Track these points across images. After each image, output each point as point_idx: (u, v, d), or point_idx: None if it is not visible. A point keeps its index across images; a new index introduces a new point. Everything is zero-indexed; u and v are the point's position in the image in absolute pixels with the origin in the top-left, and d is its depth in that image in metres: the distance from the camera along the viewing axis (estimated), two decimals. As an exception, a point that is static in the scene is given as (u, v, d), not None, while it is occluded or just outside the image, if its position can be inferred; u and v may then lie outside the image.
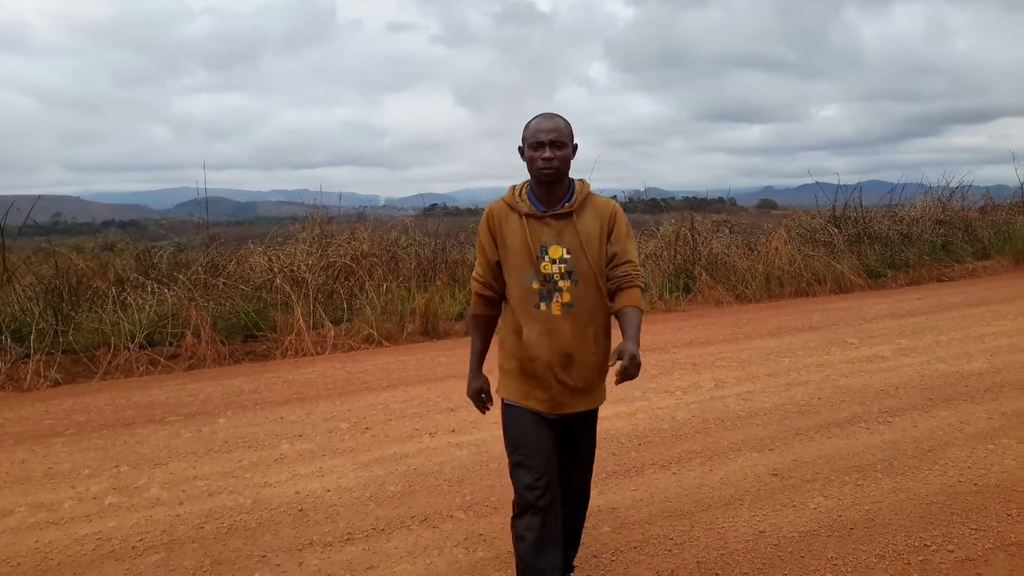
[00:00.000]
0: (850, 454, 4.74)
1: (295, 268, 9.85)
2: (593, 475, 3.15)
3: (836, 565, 3.40)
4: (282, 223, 13.09)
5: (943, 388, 6.09)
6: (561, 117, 2.80)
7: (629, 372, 2.52)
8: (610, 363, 2.62)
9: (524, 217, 2.78)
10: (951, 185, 16.34)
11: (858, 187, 14.84)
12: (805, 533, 3.71)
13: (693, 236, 12.55)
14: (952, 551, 3.49)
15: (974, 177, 20.21)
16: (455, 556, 3.60)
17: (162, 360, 7.84)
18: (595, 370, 2.84)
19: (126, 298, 8.61)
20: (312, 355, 8.29)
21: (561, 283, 2.74)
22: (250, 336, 8.74)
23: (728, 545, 3.62)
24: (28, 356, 7.51)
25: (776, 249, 12.25)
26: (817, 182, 15.15)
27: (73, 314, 8.39)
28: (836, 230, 13.54)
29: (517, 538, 2.76)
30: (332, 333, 8.70)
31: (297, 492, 4.42)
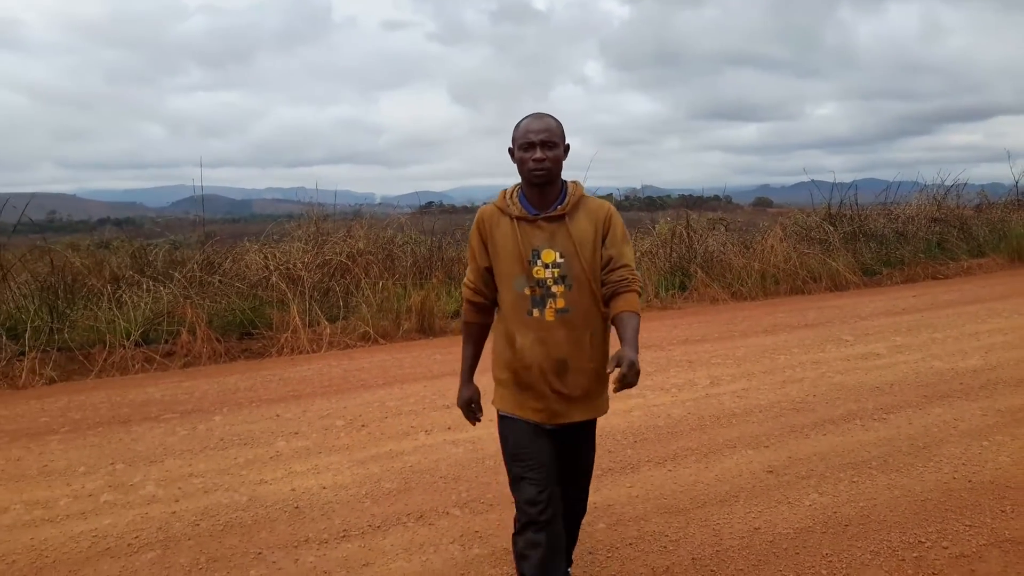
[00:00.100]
0: (845, 451, 4.75)
1: (291, 266, 9.85)
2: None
3: (831, 562, 3.41)
4: (278, 221, 13.09)
5: (938, 385, 6.11)
6: (552, 117, 2.72)
7: (628, 380, 2.42)
8: (608, 370, 2.49)
9: (515, 220, 2.70)
10: (946, 183, 16.40)
11: (854, 185, 14.90)
12: (800, 530, 3.72)
13: (689, 234, 12.56)
14: (946, 547, 3.50)
15: (969, 175, 20.29)
16: (451, 553, 3.61)
17: (158, 358, 7.83)
18: (591, 378, 2.74)
19: (121, 296, 8.61)
20: (308, 353, 8.29)
21: (554, 288, 2.66)
22: (246, 334, 8.74)
23: (723, 542, 3.63)
24: (23, 354, 7.50)
25: (772, 247, 12.27)
26: (813, 180, 15.19)
27: (68, 312, 8.39)
28: (831, 228, 13.56)
29: (519, 556, 2.64)
30: (328, 331, 8.70)
31: (293, 489, 4.42)
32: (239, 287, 9.35)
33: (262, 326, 8.75)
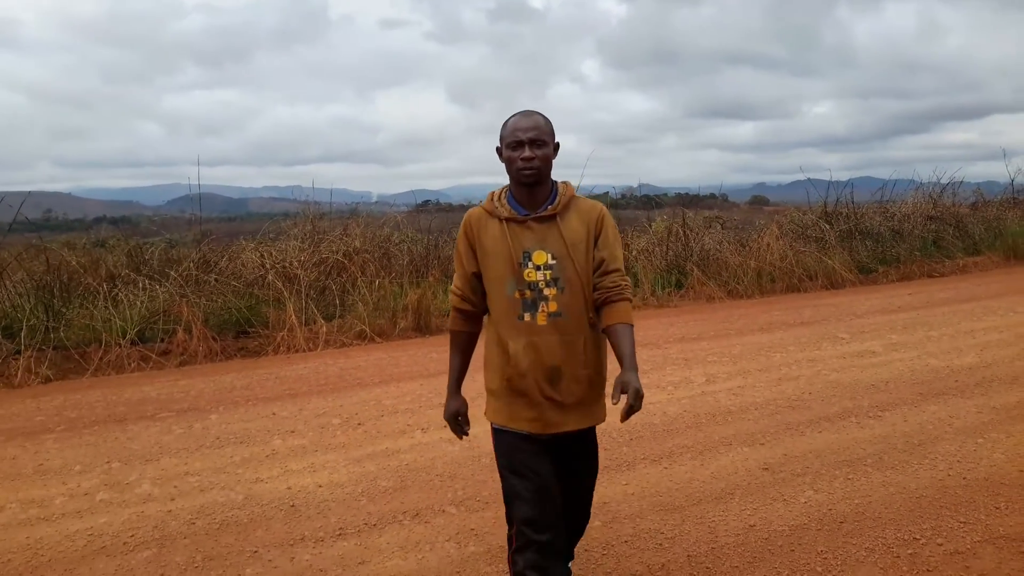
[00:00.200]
0: (840, 448, 4.76)
1: (287, 264, 9.84)
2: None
3: (826, 559, 3.42)
4: (274, 219, 13.08)
5: (933, 383, 6.12)
6: (540, 114, 2.64)
7: (635, 408, 2.41)
8: (613, 400, 2.46)
9: (504, 222, 2.61)
10: (942, 181, 16.45)
11: (850, 183, 14.90)
12: (795, 527, 3.73)
13: (685, 232, 12.57)
14: (941, 544, 3.51)
15: (965, 173, 20.32)
16: (447, 551, 3.61)
17: (153, 356, 7.82)
18: (586, 385, 2.66)
19: (117, 294, 8.60)
20: (304, 351, 8.29)
21: (546, 291, 2.57)
22: (242, 332, 8.73)
23: (719, 539, 3.63)
24: (19, 352, 7.50)
25: (768, 245, 12.28)
26: (809, 178, 15.21)
27: (64, 310, 8.38)
28: (828, 226, 13.58)
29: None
30: (324, 329, 8.70)
31: (289, 488, 4.42)
32: (235, 286, 9.35)
33: (258, 324, 8.75)
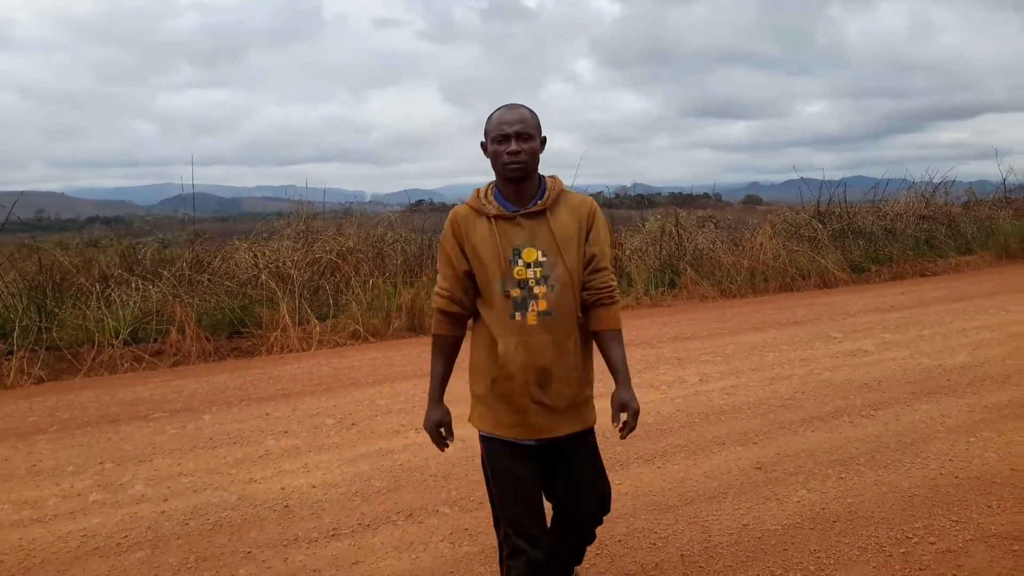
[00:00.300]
0: (833, 447, 4.77)
1: (280, 264, 9.82)
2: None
3: (819, 558, 3.43)
4: (267, 219, 13.06)
5: (925, 382, 6.14)
6: (526, 107, 2.54)
7: (632, 427, 2.47)
8: (613, 423, 2.52)
9: (493, 220, 2.51)
10: (935, 181, 16.49)
11: (842, 183, 14.95)
12: (788, 526, 3.74)
13: (678, 232, 12.59)
14: (933, 543, 3.53)
15: (957, 173, 20.39)
16: (441, 551, 3.61)
17: (147, 357, 7.81)
18: (576, 387, 2.57)
19: (110, 295, 8.58)
20: (298, 351, 8.27)
21: (537, 289, 2.48)
22: (235, 332, 8.72)
23: (712, 538, 3.64)
24: (11, 353, 7.47)
25: (761, 244, 12.31)
26: (802, 178, 15.26)
27: (57, 311, 8.35)
28: (820, 225, 13.61)
29: None
30: (318, 329, 8.69)
31: (282, 488, 4.42)
32: (228, 285, 9.32)
33: (251, 325, 8.73)
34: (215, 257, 10.14)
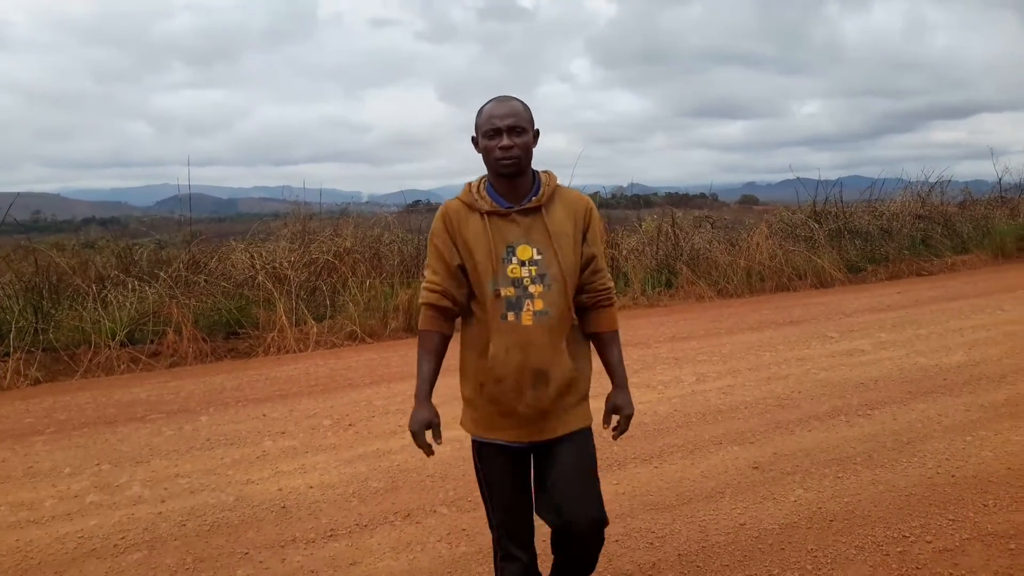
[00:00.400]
0: (830, 447, 4.78)
1: (277, 265, 9.82)
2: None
3: (816, 557, 3.43)
4: (264, 220, 13.06)
5: (922, 381, 6.15)
6: (518, 99, 2.44)
7: (623, 428, 2.48)
8: (605, 424, 2.52)
9: (486, 216, 2.42)
10: (931, 180, 16.51)
11: (839, 182, 14.98)
12: (785, 525, 3.74)
13: (675, 232, 12.60)
14: (930, 542, 3.53)
15: (953, 172, 20.43)
16: (438, 551, 3.62)
17: (143, 358, 7.80)
18: (570, 387, 2.47)
19: (107, 296, 8.57)
20: (295, 352, 8.27)
21: (532, 288, 2.39)
22: (232, 333, 8.71)
23: (709, 538, 3.65)
24: (8, 355, 7.47)
25: (757, 244, 12.32)
26: (798, 178, 15.27)
27: (53, 312, 8.34)
28: (817, 225, 13.63)
29: None
30: (315, 330, 8.68)
31: (280, 489, 4.42)
32: (225, 286, 9.32)
33: (248, 326, 8.73)
34: (212, 258, 10.14)
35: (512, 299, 2.40)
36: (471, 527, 3.83)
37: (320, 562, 3.55)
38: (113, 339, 7.85)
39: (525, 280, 2.40)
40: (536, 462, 2.56)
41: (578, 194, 2.56)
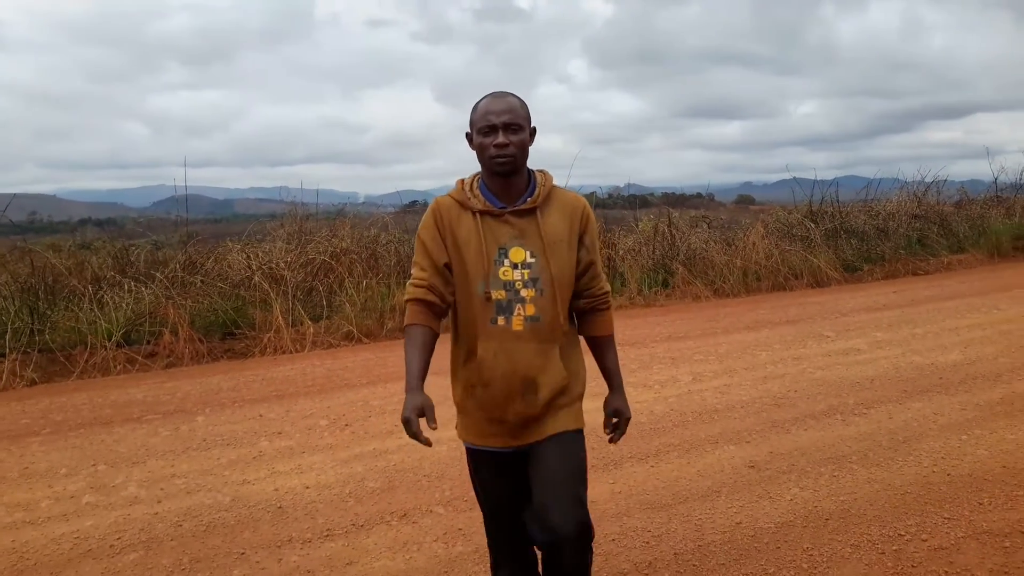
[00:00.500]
0: (826, 446, 4.78)
1: (274, 265, 9.81)
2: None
3: (812, 555, 3.44)
4: (260, 220, 13.04)
5: (918, 380, 6.16)
6: (515, 96, 2.37)
7: (622, 432, 2.48)
8: (605, 429, 2.52)
9: (479, 215, 2.36)
10: (927, 180, 16.51)
11: (835, 182, 14.98)
12: (781, 524, 3.75)
13: (671, 231, 12.61)
14: (926, 540, 3.54)
15: (949, 172, 20.43)
16: (435, 551, 3.62)
17: (140, 358, 7.79)
18: (561, 393, 2.41)
19: (103, 296, 8.55)
20: (291, 352, 8.27)
21: (524, 292, 2.32)
22: (228, 334, 8.70)
23: (705, 537, 3.65)
24: (3, 355, 7.46)
25: (753, 244, 12.32)
26: (795, 178, 15.28)
27: (49, 313, 8.33)
28: (813, 225, 13.63)
29: None
30: (311, 330, 8.68)
31: (276, 489, 4.42)
32: (221, 287, 9.31)
33: (245, 326, 8.72)
34: (208, 259, 10.13)
35: (503, 303, 2.34)
36: (467, 527, 3.83)
37: (316, 562, 3.55)
38: (109, 340, 7.84)
39: (517, 284, 2.33)
40: (527, 466, 2.46)
41: (574, 195, 2.50)
